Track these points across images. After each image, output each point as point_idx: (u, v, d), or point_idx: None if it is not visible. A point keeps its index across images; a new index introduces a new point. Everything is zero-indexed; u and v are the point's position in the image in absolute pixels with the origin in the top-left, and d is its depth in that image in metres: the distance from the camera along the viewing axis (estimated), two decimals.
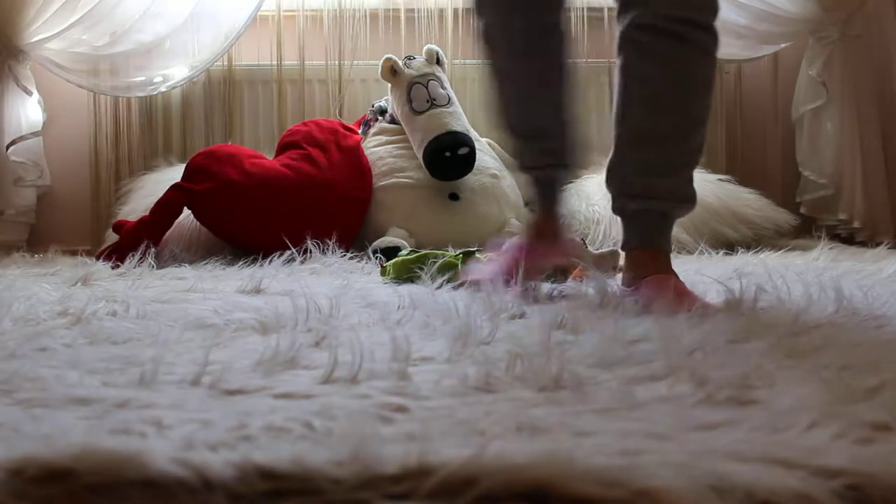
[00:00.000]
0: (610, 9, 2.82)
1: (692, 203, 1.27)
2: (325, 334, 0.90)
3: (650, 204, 1.24)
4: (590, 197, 2.36)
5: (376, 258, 1.94)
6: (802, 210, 2.73)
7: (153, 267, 1.81)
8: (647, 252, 1.23)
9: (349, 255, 1.96)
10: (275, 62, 2.75)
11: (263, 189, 2.12)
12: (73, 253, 2.37)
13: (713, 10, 1.24)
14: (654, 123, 1.24)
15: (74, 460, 0.47)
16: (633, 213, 1.25)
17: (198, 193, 2.08)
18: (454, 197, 2.27)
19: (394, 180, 2.32)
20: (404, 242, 2.12)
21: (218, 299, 1.26)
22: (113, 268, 1.81)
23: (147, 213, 2.08)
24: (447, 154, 2.20)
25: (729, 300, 1.07)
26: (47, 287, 1.41)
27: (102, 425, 0.56)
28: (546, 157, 1.37)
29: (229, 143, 2.59)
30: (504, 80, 1.38)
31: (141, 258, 1.84)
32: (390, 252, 1.98)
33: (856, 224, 2.59)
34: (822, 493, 0.45)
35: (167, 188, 2.10)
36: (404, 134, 2.41)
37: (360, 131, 2.48)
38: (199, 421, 0.57)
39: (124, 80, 2.61)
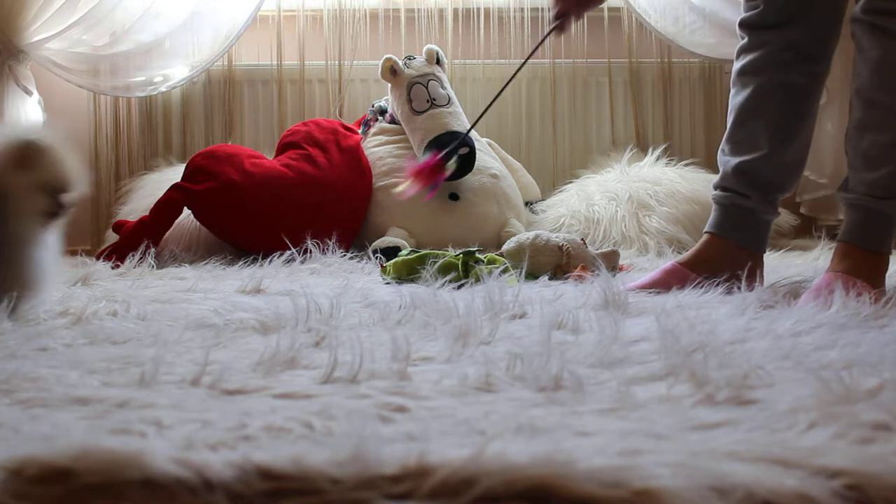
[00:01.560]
0: (610, 8, 2.82)
1: None
2: (325, 334, 0.90)
3: (855, 198, 1.26)
4: (590, 197, 2.36)
5: (376, 258, 1.94)
6: (802, 210, 2.73)
7: (153, 267, 1.81)
8: (844, 245, 1.26)
9: (349, 255, 1.96)
10: (275, 62, 2.75)
11: (263, 189, 2.12)
12: (73, 253, 2.37)
13: None
14: (861, 114, 1.27)
15: (74, 460, 0.47)
16: (844, 204, 1.29)
17: (198, 193, 2.08)
18: (454, 197, 2.27)
19: (394, 180, 2.32)
20: (404, 242, 2.12)
21: (218, 299, 1.26)
22: (113, 268, 1.81)
23: (147, 213, 2.08)
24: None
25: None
26: None
27: (102, 425, 0.56)
28: None
29: (229, 143, 2.59)
30: None
31: (141, 258, 1.84)
32: (390, 252, 1.98)
33: None
34: (822, 493, 0.45)
35: (167, 188, 2.10)
36: (404, 134, 2.41)
37: (360, 131, 2.48)
38: (199, 421, 0.57)
39: (124, 80, 2.60)
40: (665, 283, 1.32)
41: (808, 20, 1.34)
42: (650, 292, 1.28)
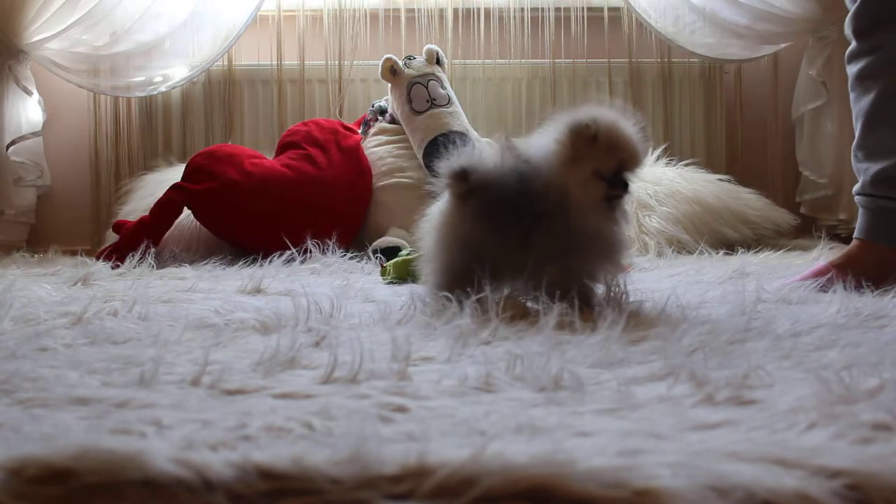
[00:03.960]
0: (610, 9, 2.82)
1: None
2: (325, 334, 0.90)
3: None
4: None
5: (376, 258, 1.94)
6: (802, 210, 2.73)
7: (153, 267, 1.81)
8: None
9: (349, 255, 1.96)
10: (275, 62, 2.75)
11: (263, 189, 2.12)
12: (73, 253, 2.37)
13: None
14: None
15: (74, 460, 0.47)
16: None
17: (198, 193, 2.08)
18: None
19: (394, 180, 2.32)
20: (404, 242, 2.12)
21: (218, 299, 1.26)
22: (113, 268, 1.81)
23: (147, 213, 2.08)
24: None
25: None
26: (47, 287, 1.41)
27: (102, 425, 0.56)
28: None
29: (229, 143, 2.59)
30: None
31: (141, 258, 1.84)
32: (390, 252, 1.98)
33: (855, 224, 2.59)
34: (821, 493, 0.45)
35: (167, 188, 2.10)
36: (404, 134, 2.41)
37: (360, 131, 2.48)
38: (199, 421, 0.57)
39: (124, 80, 2.60)
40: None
41: None
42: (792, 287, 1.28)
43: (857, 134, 1.40)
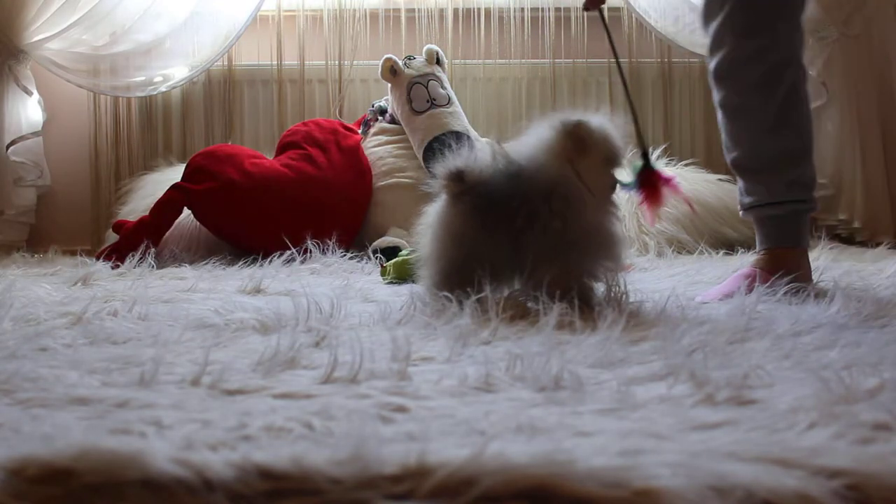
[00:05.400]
0: (610, 8, 2.81)
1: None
2: (325, 334, 0.90)
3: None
4: None
5: (376, 258, 1.94)
6: None
7: (153, 267, 1.81)
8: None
9: (349, 255, 1.96)
10: (275, 62, 2.75)
11: (263, 189, 2.12)
12: (73, 253, 2.37)
13: None
14: None
15: (74, 460, 0.47)
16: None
17: (198, 193, 2.08)
18: None
19: (394, 180, 2.32)
20: (404, 242, 2.12)
21: (218, 299, 1.26)
22: (113, 268, 1.81)
23: (147, 213, 2.08)
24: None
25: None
26: (47, 287, 1.41)
27: (102, 425, 0.56)
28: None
29: (229, 143, 2.59)
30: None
31: (141, 258, 1.84)
32: (390, 252, 1.98)
33: (856, 224, 2.59)
34: (821, 493, 0.45)
35: (167, 188, 2.10)
36: (404, 134, 2.41)
37: (360, 131, 2.48)
38: (199, 421, 0.57)
39: (124, 80, 2.60)
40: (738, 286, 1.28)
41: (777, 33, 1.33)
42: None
43: (746, 141, 1.36)
